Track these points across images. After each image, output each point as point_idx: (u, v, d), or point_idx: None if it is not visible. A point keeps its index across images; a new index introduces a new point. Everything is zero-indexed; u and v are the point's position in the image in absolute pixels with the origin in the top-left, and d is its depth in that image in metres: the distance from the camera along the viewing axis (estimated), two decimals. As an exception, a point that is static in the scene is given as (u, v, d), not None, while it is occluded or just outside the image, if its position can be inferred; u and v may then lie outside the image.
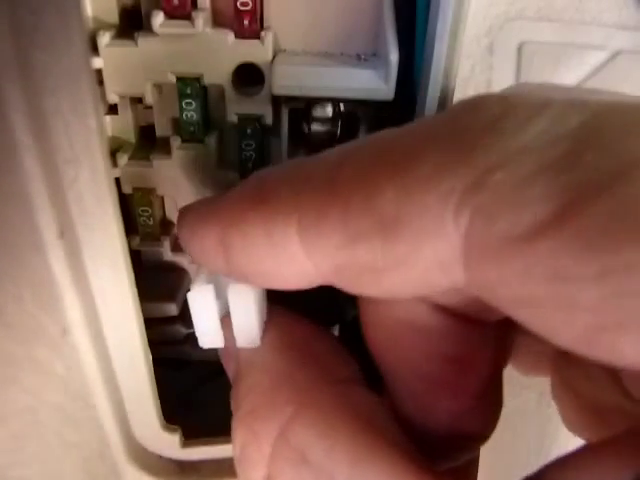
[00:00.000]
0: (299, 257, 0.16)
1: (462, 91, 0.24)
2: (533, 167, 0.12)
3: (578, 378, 0.21)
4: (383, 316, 0.19)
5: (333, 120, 0.26)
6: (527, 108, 0.13)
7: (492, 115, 0.14)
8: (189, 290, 0.20)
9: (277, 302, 0.22)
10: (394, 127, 0.16)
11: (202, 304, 0.20)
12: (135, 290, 0.23)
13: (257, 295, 0.20)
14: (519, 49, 0.24)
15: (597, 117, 0.13)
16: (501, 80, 0.25)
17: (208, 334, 0.21)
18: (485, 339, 0.19)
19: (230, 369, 0.23)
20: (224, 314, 0.21)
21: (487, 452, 0.21)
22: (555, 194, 0.11)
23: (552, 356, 0.22)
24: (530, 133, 0.13)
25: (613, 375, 0.19)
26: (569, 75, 0.25)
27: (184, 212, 0.20)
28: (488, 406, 0.20)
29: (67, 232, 0.20)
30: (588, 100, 0.13)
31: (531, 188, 0.12)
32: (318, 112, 0.26)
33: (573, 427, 0.22)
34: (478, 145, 0.13)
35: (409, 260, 0.14)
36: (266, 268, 0.17)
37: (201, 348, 0.23)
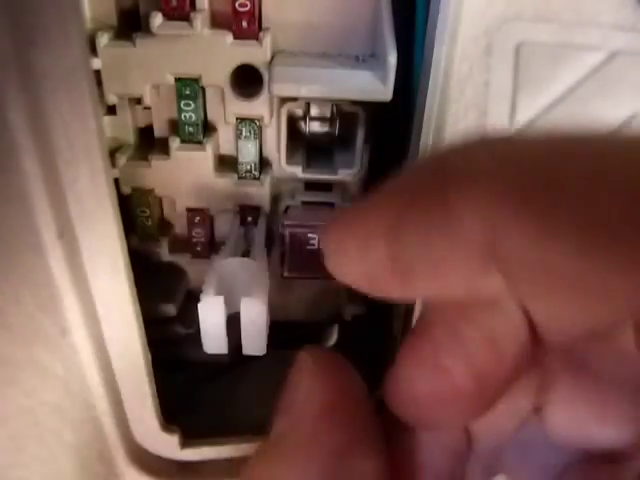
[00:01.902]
0: (476, 265, 0.14)
1: (459, 91, 0.25)
2: None
3: None
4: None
5: (331, 121, 0.26)
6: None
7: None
8: (199, 301, 0.21)
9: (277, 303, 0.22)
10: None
11: (212, 314, 0.21)
12: (134, 291, 0.23)
13: (267, 308, 0.21)
14: (517, 50, 0.24)
15: None
16: (499, 81, 0.25)
17: (215, 341, 0.22)
18: None
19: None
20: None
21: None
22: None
23: None
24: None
25: None
26: (567, 76, 0.25)
27: (332, 223, 0.16)
28: None
29: (66, 233, 0.20)
30: None
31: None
32: (316, 113, 0.26)
33: None
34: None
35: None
36: (437, 257, 0.14)
37: (200, 349, 0.23)
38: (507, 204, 0.13)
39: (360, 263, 0.16)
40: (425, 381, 0.17)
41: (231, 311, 0.21)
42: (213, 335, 0.21)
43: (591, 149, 0.14)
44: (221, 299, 0.20)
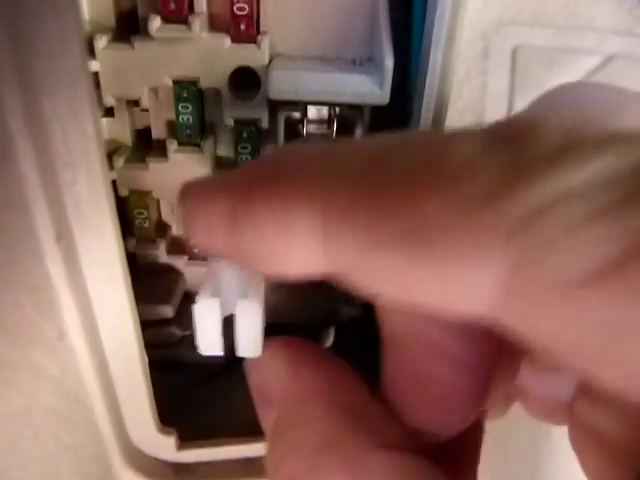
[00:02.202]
0: (313, 246, 0.15)
1: (456, 95, 0.25)
2: (595, 207, 0.11)
3: (603, 422, 0.20)
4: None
5: (329, 124, 0.26)
6: (593, 140, 0.12)
7: (555, 145, 0.13)
8: (194, 302, 0.20)
9: (273, 304, 0.22)
10: (427, 130, 0.15)
11: (208, 317, 0.20)
12: (131, 293, 0.23)
13: (263, 310, 0.20)
14: (513, 53, 0.24)
15: None
16: (495, 84, 0.25)
17: (210, 343, 0.21)
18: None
19: (268, 419, 0.21)
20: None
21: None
22: (616, 238, 0.11)
23: (569, 402, 0.21)
24: (595, 169, 0.12)
25: None
26: (563, 79, 0.25)
27: (189, 185, 0.19)
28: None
29: (64, 236, 0.20)
30: None
31: (591, 229, 0.11)
32: (314, 115, 0.26)
33: (592, 476, 0.21)
34: (540, 174, 0.12)
35: (439, 279, 0.13)
36: (273, 250, 0.16)
37: (197, 351, 0.23)
38: (335, 200, 0.14)
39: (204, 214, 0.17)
40: (414, 395, 0.18)
41: (226, 313, 0.21)
42: (208, 337, 0.21)
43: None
44: (217, 301, 0.20)
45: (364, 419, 0.18)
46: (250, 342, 0.20)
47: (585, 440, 0.21)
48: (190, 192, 0.18)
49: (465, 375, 0.17)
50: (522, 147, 0.13)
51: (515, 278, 0.12)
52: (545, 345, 0.12)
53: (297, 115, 0.26)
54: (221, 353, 0.21)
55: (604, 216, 0.11)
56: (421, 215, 0.13)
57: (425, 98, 0.23)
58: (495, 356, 0.18)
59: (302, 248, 0.15)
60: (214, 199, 0.17)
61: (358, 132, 0.26)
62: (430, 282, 0.13)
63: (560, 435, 0.22)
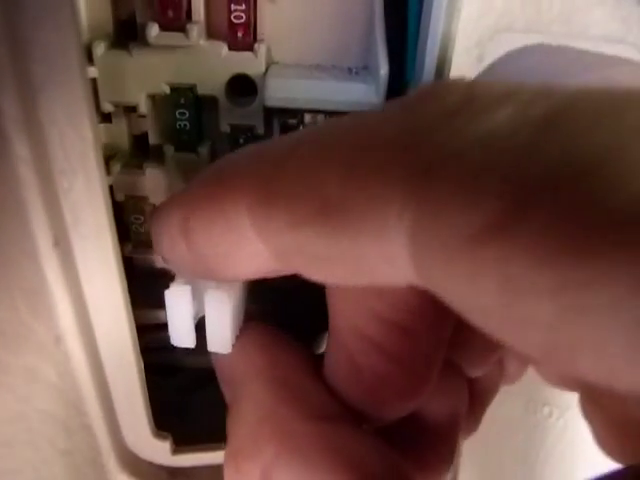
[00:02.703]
0: (252, 238, 0.16)
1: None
2: (488, 159, 0.11)
3: (605, 393, 0.20)
4: None
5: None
6: (491, 95, 0.12)
7: (452, 102, 0.12)
8: (166, 289, 0.21)
9: (261, 312, 0.22)
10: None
11: (178, 304, 0.21)
12: (127, 298, 0.23)
13: (233, 301, 0.20)
14: (508, 61, 0.25)
15: (565, 106, 0.11)
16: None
17: (181, 333, 0.21)
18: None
19: (227, 396, 0.22)
20: (201, 317, 0.21)
21: (473, 459, 0.22)
22: (508, 191, 0.10)
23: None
24: (490, 122, 0.11)
25: None
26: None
27: (155, 209, 0.20)
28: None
29: (61, 241, 0.20)
30: (560, 87, 0.12)
31: (483, 183, 0.10)
32: (310, 123, 0.26)
33: (605, 447, 0.21)
34: (432, 134, 0.12)
35: (353, 251, 0.13)
36: (223, 250, 0.17)
37: (192, 355, 0.23)
38: (259, 192, 0.15)
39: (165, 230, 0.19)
40: (351, 384, 0.19)
41: (202, 311, 0.21)
42: (180, 327, 0.21)
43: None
44: (188, 288, 0.20)
45: (300, 394, 0.19)
46: (219, 335, 0.21)
47: (594, 408, 0.21)
48: (154, 211, 0.20)
49: (395, 366, 0.18)
50: (422, 109, 0.13)
51: (416, 243, 0.12)
52: (460, 310, 0.12)
53: (293, 122, 0.26)
54: (192, 345, 0.21)
55: (496, 169, 0.10)
56: (325, 192, 0.13)
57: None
58: (439, 341, 0.18)
59: (246, 244, 0.16)
60: (170, 214, 0.18)
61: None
62: (347, 257, 0.13)
63: (554, 438, 0.22)
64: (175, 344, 0.21)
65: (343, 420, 0.18)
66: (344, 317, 0.18)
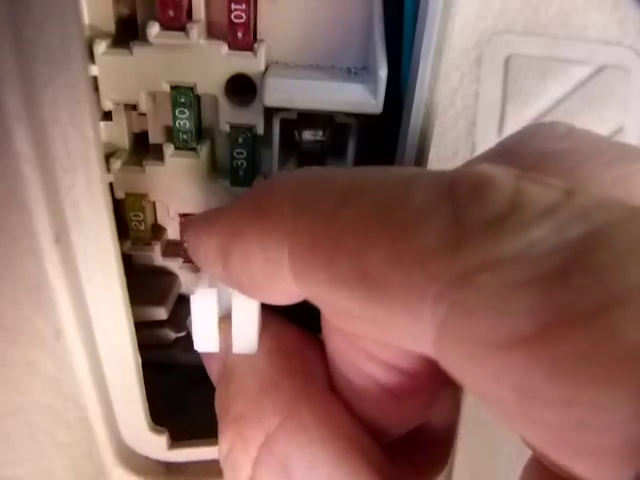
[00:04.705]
0: (288, 278, 0.16)
1: (449, 102, 0.25)
2: (522, 276, 0.12)
3: None
4: None
5: (323, 131, 0.27)
6: (536, 207, 0.13)
7: (497, 210, 0.13)
8: (192, 293, 0.21)
9: (271, 307, 0.22)
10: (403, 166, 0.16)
11: (204, 307, 0.21)
12: (126, 295, 0.23)
13: (259, 305, 0.21)
14: (506, 62, 0.25)
15: (599, 232, 0.12)
16: (488, 92, 0.25)
17: (206, 337, 0.21)
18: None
19: (213, 370, 0.23)
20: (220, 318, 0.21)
21: (468, 459, 0.22)
22: (538, 311, 0.11)
23: None
24: (529, 238, 0.12)
25: None
26: (554, 89, 0.25)
27: (191, 221, 0.20)
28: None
29: (62, 238, 0.21)
30: (598, 205, 0.12)
31: (516, 298, 0.11)
32: (309, 123, 0.26)
33: None
34: (476, 238, 0.13)
35: (383, 322, 0.14)
36: (259, 281, 0.17)
37: (189, 352, 0.23)
38: (301, 240, 0.16)
39: (203, 248, 0.19)
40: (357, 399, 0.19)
41: (222, 312, 0.21)
42: (205, 331, 0.21)
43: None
44: (214, 291, 0.20)
45: (301, 365, 0.20)
46: (246, 338, 0.21)
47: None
48: (191, 227, 0.20)
49: (394, 400, 0.18)
50: (466, 208, 0.13)
51: (443, 334, 0.13)
52: (473, 392, 0.13)
53: (292, 121, 0.26)
54: (217, 350, 0.21)
55: (529, 288, 0.11)
56: (368, 263, 0.14)
57: (414, 105, 0.24)
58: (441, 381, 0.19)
59: (281, 281, 0.17)
60: (210, 234, 0.19)
61: (352, 139, 0.26)
62: (376, 322, 0.15)
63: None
64: (199, 349, 0.22)
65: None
66: (339, 350, 0.19)
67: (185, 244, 0.21)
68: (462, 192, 0.13)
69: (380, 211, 0.14)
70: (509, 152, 0.18)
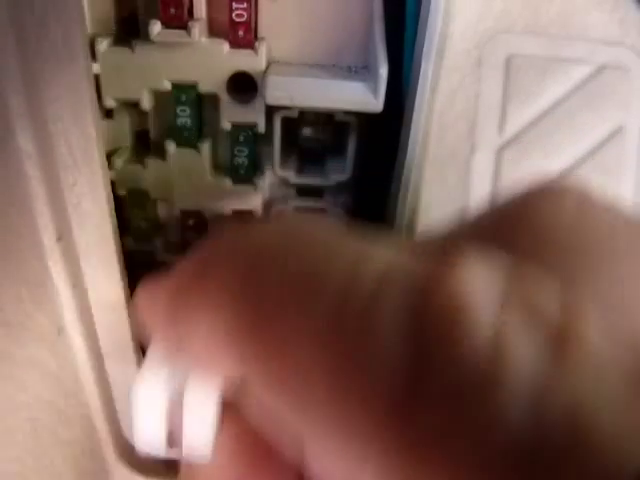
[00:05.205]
0: (231, 359, 0.14)
1: (450, 102, 0.25)
2: None
3: None
4: None
5: (324, 129, 0.27)
6: (513, 376, 0.10)
7: (467, 375, 0.11)
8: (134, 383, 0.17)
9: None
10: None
11: (150, 404, 0.17)
12: (128, 291, 0.23)
13: (215, 405, 0.17)
14: (507, 62, 0.25)
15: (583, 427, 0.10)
16: (489, 92, 0.25)
17: (151, 439, 0.17)
18: None
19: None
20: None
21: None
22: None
23: None
24: (498, 419, 0.10)
25: None
26: (555, 88, 0.25)
27: (143, 287, 0.18)
28: None
29: (65, 235, 0.21)
30: (602, 376, 0.10)
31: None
32: (310, 120, 0.26)
33: None
34: (431, 411, 0.11)
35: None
36: (197, 355, 0.16)
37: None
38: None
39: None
40: None
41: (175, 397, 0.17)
42: (150, 431, 0.17)
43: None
44: (162, 381, 0.17)
45: (269, 465, 0.18)
46: (199, 443, 0.17)
47: None
48: (140, 293, 0.18)
49: None
50: (429, 363, 0.11)
51: None
52: None
53: (293, 119, 0.26)
54: (163, 454, 0.17)
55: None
56: (308, 385, 0.12)
57: (416, 105, 0.24)
58: None
59: (218, 359, 0.15)
60: (156, 306, 0.17)
61: (352, 136, 0.26)
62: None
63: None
64: (143, 450, 0.17)
65: None
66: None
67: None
68: (430, 328, 0.11)
69: (333, 316, 0.12)
70: (505, 227, 0.15)
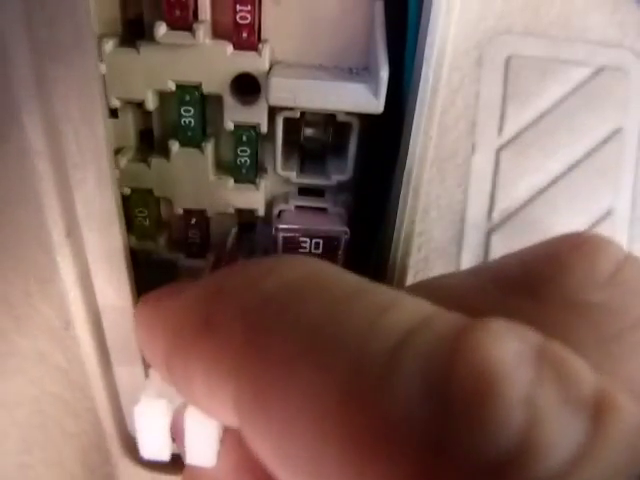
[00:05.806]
0: (232, 415, 0.14)
1: (450, 102, 0.25)
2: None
3: None
4: None
5: (326, 129, 0.27)
6: (548, 462, 0.10)
7: (497, 456, 0.10)
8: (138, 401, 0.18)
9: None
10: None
11: (151, 419, 0.18)
12: (134, 287, 0.24)
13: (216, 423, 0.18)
14: (507, 62, 0.25)
15: None
16: (488, 92, 0.25)
17: (154, 447, 0.19)
18: None
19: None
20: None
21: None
22: None
23: None
24: None
25: None
26: (554, 89, 0.26)
27: (145, 302, 0.19)
28: None
29: (73, 232, 0.21)
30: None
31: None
32: (311, 121, 0.27)
33: None
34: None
35: None
36: (201, 402, 0.15)
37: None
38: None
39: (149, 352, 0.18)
40: None
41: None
42: (154, 442, 0.18)
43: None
44: (163, 403, 0.18)
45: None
46: (202, 453, 0.18)
47: None
48: (140, 315, 0.19)
49: None
50: (457, 437, 0.10)
51: None
52: None
53: (295, 119, 0.26)
54: (167, 459, 0.19)
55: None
56: (322, 455, 0.11)
57: (417, 105, 0.24)
58: None
59: (222, 411, 0.15)
60: (155, 337, 0.17)
61: (354, 137, 0.26)
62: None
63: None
64: (146, 457, 0.19)
65: None
66: None
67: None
68: (457, 398, 0.10)
69: (351, 379, 0.11)
70: (536, 282, 0.14)
